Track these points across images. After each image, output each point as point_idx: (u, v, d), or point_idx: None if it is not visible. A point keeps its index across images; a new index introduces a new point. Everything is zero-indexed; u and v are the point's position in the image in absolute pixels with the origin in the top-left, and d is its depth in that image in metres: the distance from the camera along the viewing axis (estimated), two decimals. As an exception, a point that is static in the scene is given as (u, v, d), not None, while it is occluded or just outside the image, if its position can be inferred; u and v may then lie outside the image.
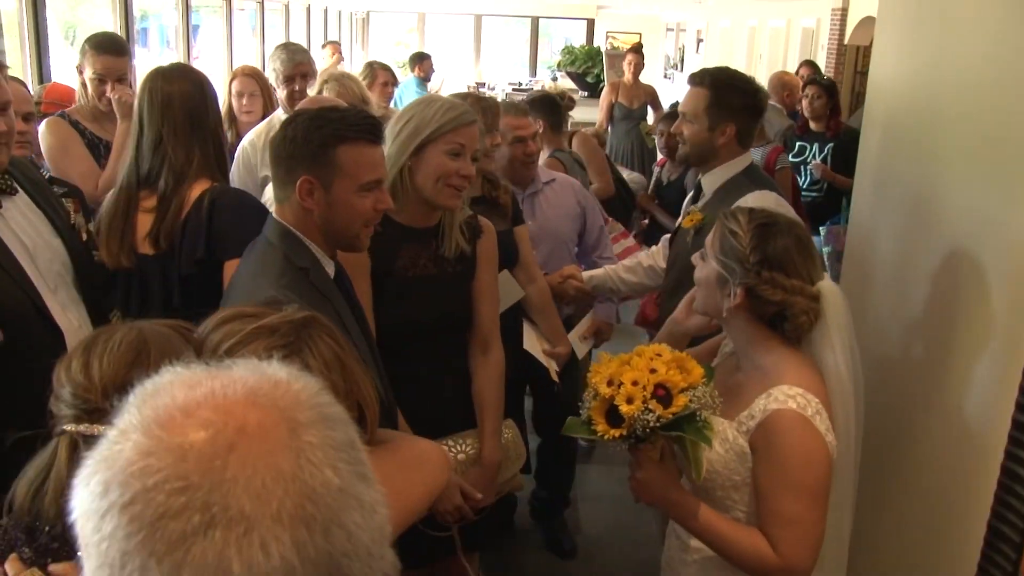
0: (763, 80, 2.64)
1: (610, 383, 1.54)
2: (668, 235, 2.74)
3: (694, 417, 1.51)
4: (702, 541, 1.64)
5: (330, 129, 1.66)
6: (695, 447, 1.53)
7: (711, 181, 2.47)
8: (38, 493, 1.07)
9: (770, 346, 1.64)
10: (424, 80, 7.91)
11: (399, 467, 1.36)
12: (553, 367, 2.64)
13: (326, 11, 11.23)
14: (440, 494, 1.67)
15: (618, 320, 3.27)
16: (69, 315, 1.99)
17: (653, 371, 1.51)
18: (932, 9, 2.33)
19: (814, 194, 4.82)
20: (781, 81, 5.65)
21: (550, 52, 17.65)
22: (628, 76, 6.85)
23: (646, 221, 4.46)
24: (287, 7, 9.18)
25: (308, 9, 10.11)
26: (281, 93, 3.38)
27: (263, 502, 0.56)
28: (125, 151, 2.45)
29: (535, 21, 16.95)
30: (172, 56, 6.90)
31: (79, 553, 1.04)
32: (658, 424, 1.50)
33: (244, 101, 3.66)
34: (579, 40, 16.87)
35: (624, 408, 1.50)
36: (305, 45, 8.96)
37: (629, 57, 6.99)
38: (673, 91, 11.80)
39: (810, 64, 6.56)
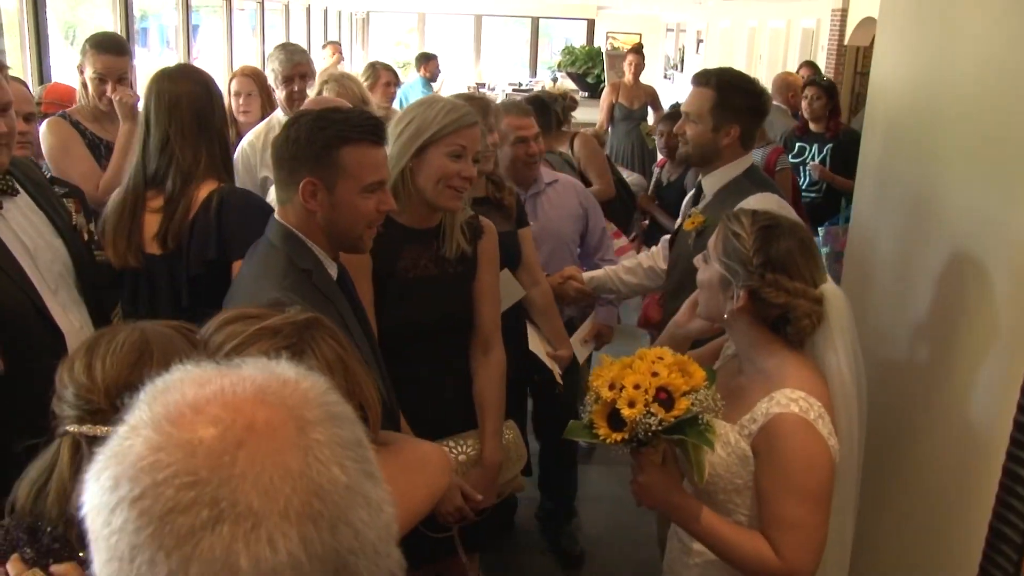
0: (763, 81, 2.64)
1: (612, 387, 1.53)
2: (668, 236, 2.74)
3: (696, 420, 1.51)
4: (704, 545, 1.63)
5: (333, 130, 1.66)
6: (697, 450, 1.53)
7: (712, 182, 2.46)
8: (40, 494, 1.08)
9: (773, 349, 1.64)
10: (430, 80, 7.91)
11: (401, 470, 1.36)
12: (556, 370, 2.64)
13: (326, 11, 11.24)
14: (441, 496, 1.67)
15: (618, 321, 3.27)
16: (70, 316, 1.99)
17: (655, 374, 1.51)
18: (933, 10, 2.33)
19: (813, 195, 4.82)
20: (785, 82, 5.65)
21: (550, 52, 17.66)
22: (629, 77, 6.85)
23: (646, 222, 4.46)
24: (287, 7, 9.18)
25: (308, 9, 10.11)
26: (280, 94, 3.37)
27: (271, 498, 0.57)
28: (130, 152, 2.45)
29: (535, 21, 16.95)
30: (172, 56, 6.91)
31: (80, 554, 1.06)
32: (660, 428, 1.49)
33: (241, 101, 3.66)
34: (579, 40, 16.88)
35: (626, 412, 1.50)
36: (305, 45, 8.97)
37: (630, 58, 6.99)
38: (673, 91, 11.81)
39: (810, 65, 6.56)
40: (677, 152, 3.89)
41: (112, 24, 5.05)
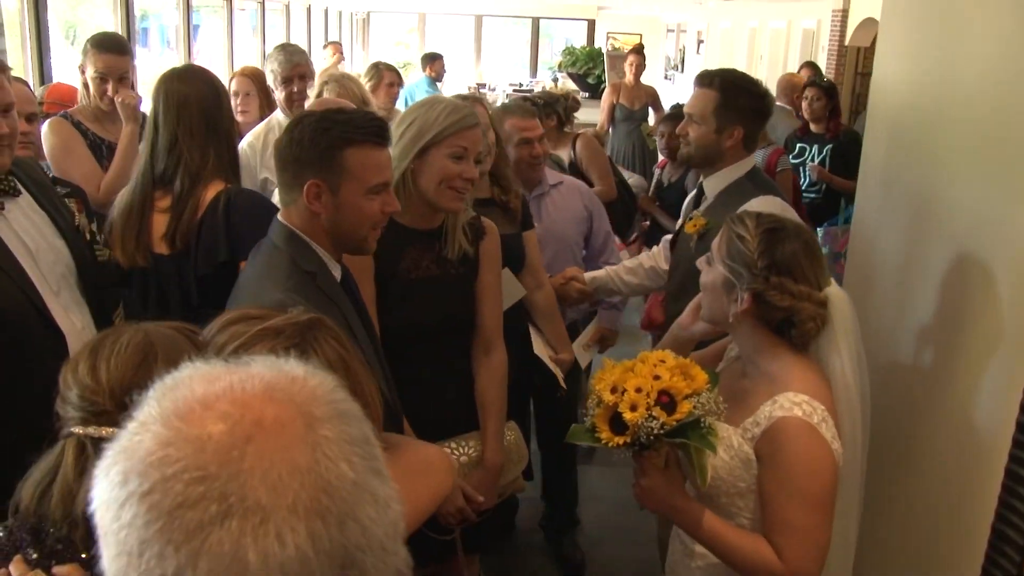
0: (764, 82, 2.63)
1: (614, 390, 1.53)
2: (669, 236, 2.73)
3: (698, 424, 1.50)
4: (707, 548, 1.63)
5: (337, 132, 1.65)
6: (699, 454, 1.52)
7: (714, 184, 2.46)
8: (44, 495, 1.08)
9: (776, 352, 1.63)
10: (435, 80, 7.92)
11: (404, 473, 1.36)
12: (559, 374, 2.63)
13: (327, 11, 11.23)
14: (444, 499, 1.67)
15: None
16: (72, 317, 1.99)
17: (657, 378, 1.51)
18: (935, 11, 2.33)
19: (813, 195, 4.82)
20: (790, 83, 5.65)
21: (551, 53, 17.64)
22: (629, 77, 6.85)
23: (647, 223, 4.46)
24: (288, 7, 9.17)
25: (309, 9, 10.10)
26: (279, 95, 3.36)
27: (279, 494, 0.57)
28: (133, 154, 2.45)
29: (536, 22, 16.94)
30: (172, 56, 6.90)
31: (83, 555, 1.06)
32: (662, 431, 1.49)
33: (239, 101, 3.65)
34: (580, 41, 16.87)
35: (628, 415, 1.49)
36: (306, 45, 8.99)
37: (631, 58, 6.99)
38: (673, 92, 11.81)
39: (811, 65, 6.56)
40: (679, 153, 3.88)
41: (113, 24, 5.05)
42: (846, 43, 7.88)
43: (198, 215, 2.20)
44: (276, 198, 2.48)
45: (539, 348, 2.60)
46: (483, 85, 13.72)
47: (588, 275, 2.81)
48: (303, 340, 1.21)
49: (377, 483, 0.62)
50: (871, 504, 1.81)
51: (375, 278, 2.04)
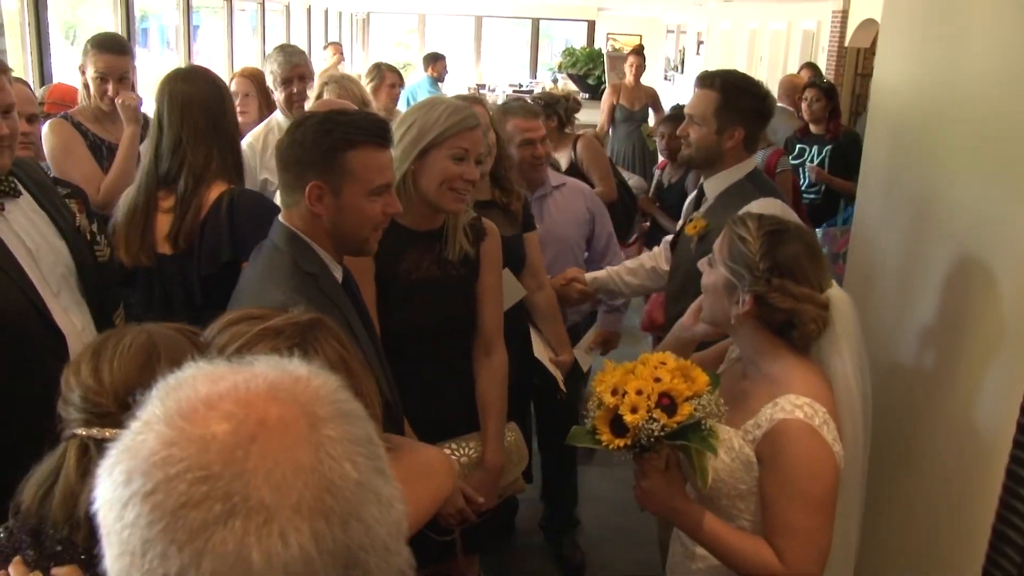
0: (764, 83, 2.64)
1: (614, 392, 1.53)
2: (670, 237, 2.73)
3: (699, 426, 1.50)
4: (707, 550, 1.63)
5: (339, 133, 1.65)
6: (700, 456, 1.52)
7: (714, 185, 2.45)
8: (46, 496, 1.08)
9: (778, 354, 1.63)
10: (437, 80, 7.92)
11: (405, 476, 1.35)
12: (559, 376, 2.63)
13: (327, 12, 11.23)
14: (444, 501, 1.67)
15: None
16: (72, 317, 1.98)
17: (657, 380, 1.50)
18: (936, 11, 2.33)
19: (812, 196, 4.83)
20: (792, 84, 5.66)
21: (551, 54, 17.63)
22: (630, 78, 6.85)
23: (647, 224, 4.46)
24: (288, 8, 9.17)
25: (309, 10, 10.10)
26: (279, 96, 3.36)
27: (283, 493, 0.57)
28: (136, 157, 2.45)
29: (535, 22, 16.93)
30: (172, 56, 6.90)
31: (82, 556, 1.05)
32: (663, 433, 1.49)
33: (238, 102, 3.64)
34: (580, 42, 16.86)
35: (628, 418, 1.49)
36: (306, 46, 8.98)
37: (631, 59, 7.00)
38: (673, 93, 11.81)
39: (811, 67, 6.56)
40: (679, 155, 3.88)
41: (113, 24, 5.04)
42: (846, 44, 7.88)
43: (201, 215, 2.21)
44: (279, 199, 2.49)
45: (539, 350, 2.60)
46: (483, 86, 13.73)
47: (589, 276, 2.81)
48: (304, 340, 1.21)
49: (381, 483, 0.62)
50: (872, 505, 1.81)
51: (376, 279, 2.04)
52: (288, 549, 0.56)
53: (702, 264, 1.75)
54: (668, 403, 1.49)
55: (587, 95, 13.45)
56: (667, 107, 6.37)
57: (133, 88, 3.03)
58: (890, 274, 2.46)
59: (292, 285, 1.61)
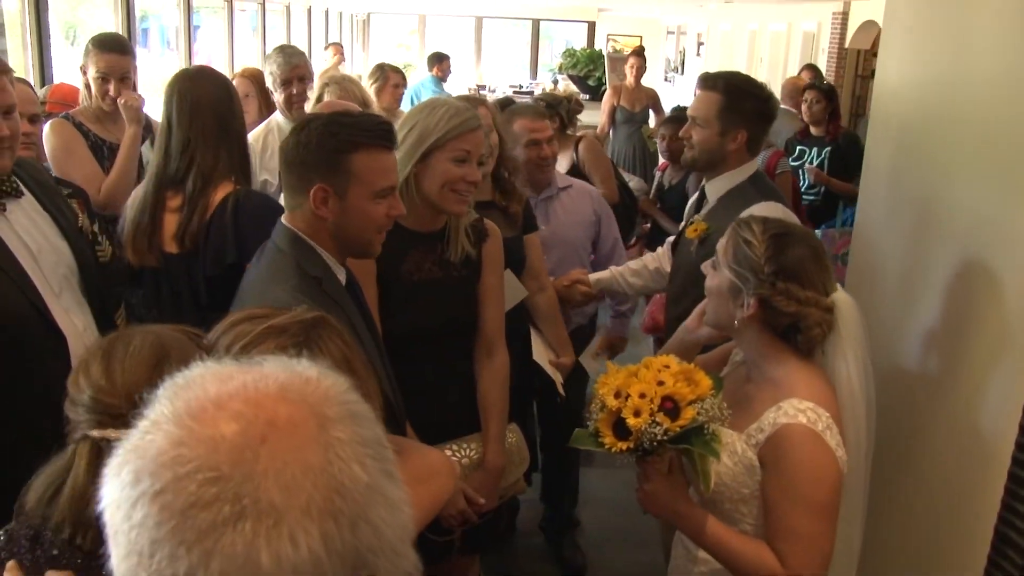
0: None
1: (617, 395, 1.52)
2: (672, 237, 2.73)
3: (702, 430, 1.50)
4: (710, 554, 1.63)
5: (344, 135, 1.65)
6: (703, 460, 1.52)
7: (716, 188, 2.44)
8: (52, 498, 1.07)
9: (782, 358, 1.63)
10: (441, 80, 7.93)
11: (407, 478, 1.35)
12: (559, 379, 2.63)
13: (327, 12, 11.23)
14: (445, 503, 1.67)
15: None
16: (73, 318, 1.98)
17: (661, 383, 1.50)
18: (938, 13, 2.33)
19: (812, 197, 4.83)
20: (795, 86, 5.67)
21: (551, 55, 17.64)
22: (630, 79, 6.85)
23: (648, 225, 4.46)
24: (288, 8, 9.17)
25: (309, 10, 10.10)
26: (278, 96, 3.36)
27: (293, 495, 0.57)
28: (138, 157, 2.45)
29: (536, 23, 16.94)
30: (173, 57, 6.90)
31: (78, 560, 1.05)
32: (665, 437, 1.48)
33: None
34: (580, 43, 16.87)
35: (631, 421, 1.49)
36: (306, 46, 8.98)
37: (631, 60, 6.99)
38: (674, 94, 11.82)
39: (811, 68, 6.57)
40: (682, 157, 3.88)
41: (113, 24, 5.03)
42: (846, 45, 7.89)
43: (207, 216, 2.22)
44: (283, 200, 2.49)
45: (539, 352, 2.59)
46: (483, 87, 13.73)
47: (593, 276, 2.80)
48: (308, 338, 1.21)
49: (389, 485, 0.62)
50: (873, 507, 1.81)
51: (377, 280, 2.04)
52: (298, 551, 0.56)
53: (706, 267, 1.74)
54: (671, 407, 1.49)
55: (587, 96, 13.45)
56: (667, 108, 6.36)
57: (134, 88, 3.02)
58: (892, 276, 2.46)
59: (296, 285, 1.61)
